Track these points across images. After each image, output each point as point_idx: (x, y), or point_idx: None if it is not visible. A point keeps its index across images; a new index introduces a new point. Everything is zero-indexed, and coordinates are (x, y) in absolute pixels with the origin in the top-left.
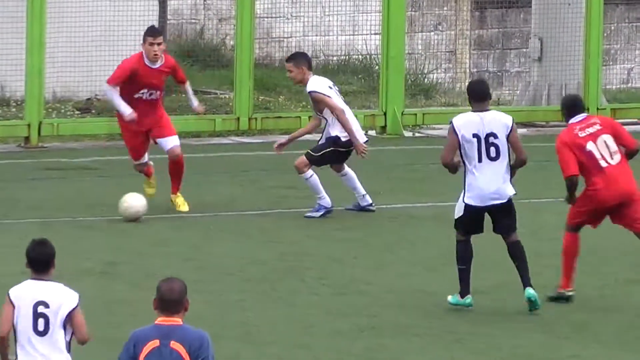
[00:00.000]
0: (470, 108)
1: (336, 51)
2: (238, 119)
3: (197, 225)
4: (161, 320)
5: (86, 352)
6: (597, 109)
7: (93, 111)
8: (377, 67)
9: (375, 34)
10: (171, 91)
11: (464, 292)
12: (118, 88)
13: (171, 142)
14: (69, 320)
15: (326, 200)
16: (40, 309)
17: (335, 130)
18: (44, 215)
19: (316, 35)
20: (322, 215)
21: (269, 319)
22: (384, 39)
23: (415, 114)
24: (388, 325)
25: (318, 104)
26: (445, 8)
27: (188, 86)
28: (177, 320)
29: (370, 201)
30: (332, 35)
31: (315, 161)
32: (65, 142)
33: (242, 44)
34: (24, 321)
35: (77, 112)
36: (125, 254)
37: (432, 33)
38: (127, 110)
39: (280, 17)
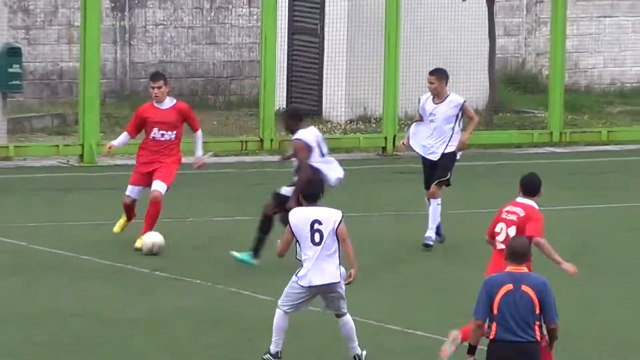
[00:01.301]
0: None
1: (630, 79)
2: (551, 133)
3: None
4: (512, 268)
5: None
6: None
7: None
8: None
9: None
10: (502, 110)
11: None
12: (127, 134)
13: (155, 185)
14: (336, 231)
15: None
16: (316, 225)
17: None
18: (397, 209)
19: (614, 67)
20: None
21: None
22: None
23: None
24: None
25: (467, 110)
26: None
27: (199, 135)
28: (524, 269)
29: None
30: (627, 66)
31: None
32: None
33: (555, 73)
34: (303, 236)
35: None
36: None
37: None
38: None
39: (585, 52)
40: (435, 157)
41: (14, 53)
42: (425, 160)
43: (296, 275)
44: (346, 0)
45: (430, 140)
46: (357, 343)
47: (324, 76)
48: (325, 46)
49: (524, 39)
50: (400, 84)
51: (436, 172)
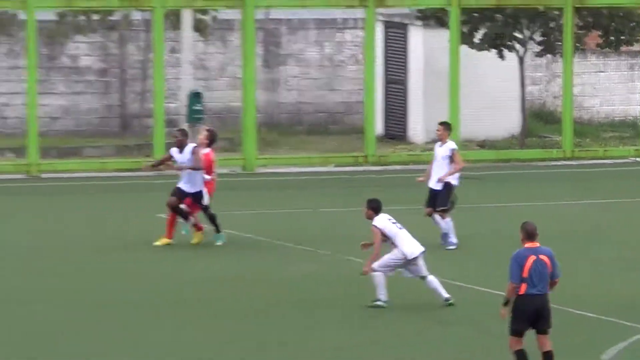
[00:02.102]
0: None
1: (618, 115)
2: (565, 151)
3: None
4: (529, 245)
5: None
6: None
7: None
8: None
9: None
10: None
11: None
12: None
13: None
14: None
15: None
16: (392, 221)
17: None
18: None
19: (607, 106)
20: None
21: None
22: None
23: None
24: None
25: (455, 155)
26: None
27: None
28: (537, 244)
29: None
30: (615, 105)
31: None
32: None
33: (566, 110)
34: (393, 229)
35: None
36: None
37: None
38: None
39: (587, 96)
40: (437, 186)
41: (197, 96)
42: (430, 189)
43: (401, 251)
44: (422, 62)
45: (434, 174)
46: (444, 290)
47: (408, 112)
48: (409, 91)
49: (544, 87)
50: (461, 117)
51: (437, 200)
